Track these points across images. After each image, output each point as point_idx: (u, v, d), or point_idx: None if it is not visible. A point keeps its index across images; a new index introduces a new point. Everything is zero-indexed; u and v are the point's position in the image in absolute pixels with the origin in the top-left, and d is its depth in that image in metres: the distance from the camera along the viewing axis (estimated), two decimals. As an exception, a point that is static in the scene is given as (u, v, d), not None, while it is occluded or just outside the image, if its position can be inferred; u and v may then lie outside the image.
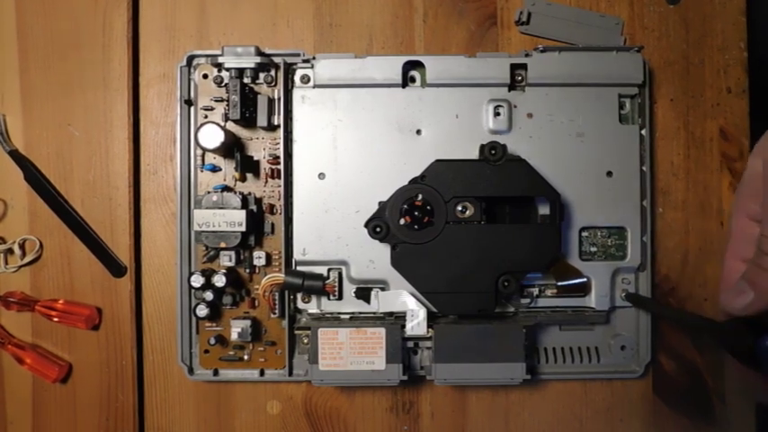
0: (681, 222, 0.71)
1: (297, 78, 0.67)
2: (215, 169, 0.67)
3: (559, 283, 0.67)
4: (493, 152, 0.63)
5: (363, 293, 0.66)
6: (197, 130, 0.63)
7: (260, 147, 0.68)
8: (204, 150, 0.66)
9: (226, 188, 0.66)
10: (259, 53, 0.66)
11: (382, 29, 0.72)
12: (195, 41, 0.71)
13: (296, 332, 0.68)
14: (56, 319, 0.69)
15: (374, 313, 0.66)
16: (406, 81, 0.67)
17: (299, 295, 0.67)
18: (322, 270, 0.67)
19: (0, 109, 0.71)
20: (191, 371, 0.68)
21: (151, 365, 0.71)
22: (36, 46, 0.71)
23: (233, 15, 0.72)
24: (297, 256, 0.66)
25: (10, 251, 0.70)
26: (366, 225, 0.64)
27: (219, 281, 0.65)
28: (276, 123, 0.67)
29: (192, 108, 0.68)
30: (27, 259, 0.70)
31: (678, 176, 0.71)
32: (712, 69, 0.72)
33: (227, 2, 0.72)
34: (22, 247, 0.70)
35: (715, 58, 0.72)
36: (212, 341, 0.67)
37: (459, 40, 0.72)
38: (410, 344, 0.66)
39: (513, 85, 0.67)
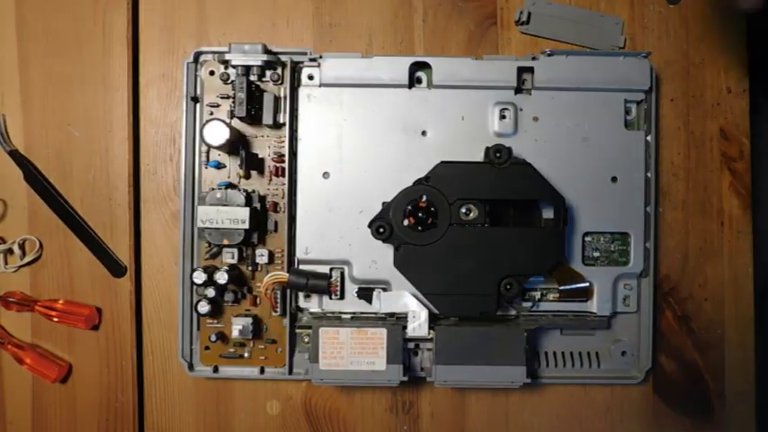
0: (681, 222, 0.71)
1: (303, 77, 0.67)
2: (219, 166, 0.67)
3: (561, 288, 0.67)
4: (498, 155, 0.63)
5: (365, 293, 0.66)
6: (202, 126, 0.63)
7: (265, 144, 0.67)
8: (209, 147, 0.66)
9: (230, 185, 0.66)
10: (266, 51, 0.65)
11: (382, 29, 0.72)
12: (195, 41, 0.71)
13: (297, 331, 0.68)
14: (56, 319, 0.69)
15: (375, 314, 0.66)
16: (413, 82, 0.67)
17: (300, 294, 0.67)
18: (324, 269, 0.67)
19: (0, 109, 0.70)
20: (191, 367, 0.68)
21: (151, 365, 0.71)
22: (36, 46, 0.71)
23: (232, 15, 0.71)
24: (299, 254, 0.66)
25: (10, 251, 0.70)
26: (369, 225, 0.63)
27: (222, 278, 0.65)
28: (282, 121, 0.66)
29: (198, 104, 0.67)
30: (27, 259, 0.70)
31: (678, 176, 0.71)
32: (712, 69, 0.72)
33: (227, 2, 0.71)
34: (21, 247, 0.70)
35: (715, 58, 0.72)
36: (213, 338, 0.67)
37: (459, 40, 0.72)
38: (411, 345, 0.66)
39: (519, 89, 0.67)
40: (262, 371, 0.68)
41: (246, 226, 0.63)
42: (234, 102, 0.63)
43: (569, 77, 0.66)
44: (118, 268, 0.70)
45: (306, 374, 0.67)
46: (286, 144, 0.66)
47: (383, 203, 0.64)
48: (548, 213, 0.65)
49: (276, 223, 0.67)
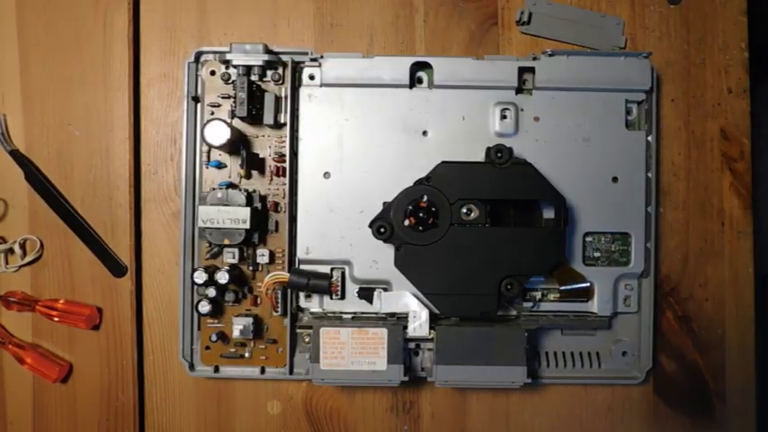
0: (681, 222, 0.71)
1: (304, 77, 0.67)
2: (220, 166, 0.67)
3: (562, 288, 0.67)
4: (499, 155, 0.63)
5: (366, 293, 0.66)
6: (203, 126, 0.63)
7: (266, 144, 0.67)
8: (210, 147, 0.66)
9: (231, 185, 0.66)
10: (267, 51, 0.65)
11: (383, 29, 0.72)
12: (196, 41, 0.71)
13: (297, 331, 0.68)
14: (56, 319, 0.69)
15: (376, 314, 0.66)
16: (414, 82, 0.67)
17: (301, 294, 0.67)
18: (325, 269, 0.67)
19: (1, 109, 0.70)
20: (191, 367, 0.68)
21: (151, 365, 0.71)
22: (36, 46, 0.71)
23: (233, 15, 0.71)
24: (300, 254, 0.66)
25: (11, 251, 0.70)
26: (370, 225, 0.63)
27: (222, 278, 0.64)
28: (282, 121, 0.66)
29: (199, 104, 0.67)
30: (27, 259, 0.70)
31: (679, 176, 0.71)
32: (713, 69, 0.72)
33: (228, 2, 0.71)
34: (22, 246, 0.70)
35: (716, 59, 0.72)
36: (214, 338, 0.67)
37: (460, 40, 0.72)
38: (411, 345, 0.66)
39: (520, 89, 0.67)
40: (262, 371, 0.68)
41: (247, 226, 0.63)
42: (235, 101, 0.64)
43: (570, 78, 0.66)
44: (118, 268, 0.70)
45: (306, 374, 0.67)
46: (287, 144, 0.66)
47: (384, 203, 0.64)
48: (548, 213, 0.65)
49: (277, 223, 0.67)
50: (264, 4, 0.71)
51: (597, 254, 0.68)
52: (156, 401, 0.71)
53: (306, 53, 0.67)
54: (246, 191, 0.65)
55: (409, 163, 0.66)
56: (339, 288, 0.66)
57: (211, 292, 0.65)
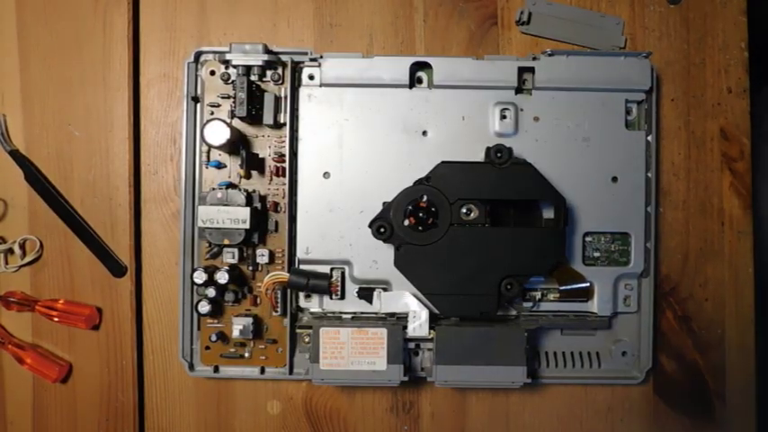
0: (681, 222, 0.71)
1: (304, 77, 0.67)
2: (220, 166, 0.67)
3: (562, 288, 0.67)
4: (499, 155, 0.63)
5: (366, 293, 0.66)
6: (203, 126, 0.63)
7: (265, 144, 0.67)
8: (210, 147, 0.66)
9: (230, 185, 0.66)
10: (267, 51, 0.65)
11: (383, 29, 0.72)
12: (195, 41, 0.71)
13: (297, 331, 0.68)
14: (56, 319, 0.69)
15: (376, 314, 0.66)
16: (413, 82, 0.67)
17: (301, 294, 0.67)
18: (325, 269, 0.67)
19: (0, 109, 0.70)
20: (191, 367, 0.68)
21: (151, 365, 0.71)
22: (36, 46, 0.71)
23: (233, 15, 0.71)
24: (300, 254, 0.66)
25: (10, 251, 0.70)
26: (370, 225, 0.63)
27: (222, 278, 0.64)
28: (282, 121, 0.66)
29: (199, 104, 0.67)
30: (27, 259, 0.70)
31: (679, 176, 0.71)
32: (713, 69, 0.72)
33: (227, 2, 0.71)
34: (22, 246, 0.70)
35: (716, 58, 0.72)
36: (213, 338, 0.67)
37: (460, 40, 0.72)
38: (411, 345, 0.66)
39: (520, 89, 0.67)
40: (262, 371, 0.68)
41: (247, 226, 0.63)
42: (234, 101, 0.63)
43: (570, 77, 0.66)
44: (118, 268, 0.70)
45: (306, 374, 0.67)
46: (287, 144, 0.66)
47: (384, 203, 0.64)
48: (548, 213, 0.65)
49: (277, 223, 0.67)
50: (264, 4, 0.71)
51: (597, 254, 0.68)
52: (156, 401, 0.71)
53: (305, 53, 0.67)
54: (246, 191, 0.65)
55: (409, 163, 0.66)
56: (339, 288, 0.66)
57: (211, 292, 0.65)
